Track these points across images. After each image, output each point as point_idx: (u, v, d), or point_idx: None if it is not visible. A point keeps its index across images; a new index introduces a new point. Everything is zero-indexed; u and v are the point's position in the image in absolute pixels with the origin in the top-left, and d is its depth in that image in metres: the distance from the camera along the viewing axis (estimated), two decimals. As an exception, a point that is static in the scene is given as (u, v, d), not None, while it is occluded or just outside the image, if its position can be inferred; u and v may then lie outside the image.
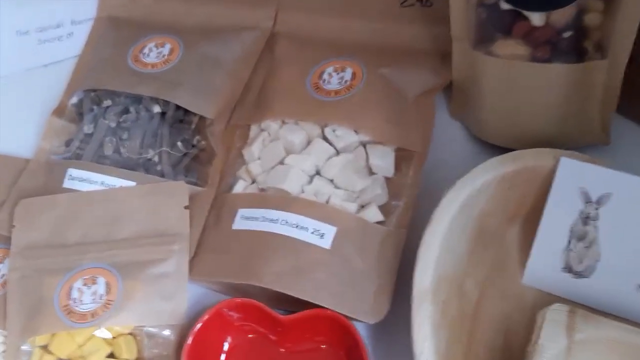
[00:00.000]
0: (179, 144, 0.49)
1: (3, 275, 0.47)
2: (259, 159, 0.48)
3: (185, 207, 0.46)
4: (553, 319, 0.35)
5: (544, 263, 0.40)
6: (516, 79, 0.42)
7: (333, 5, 0.53)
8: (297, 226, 0.42)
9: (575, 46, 0.41)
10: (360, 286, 0.41)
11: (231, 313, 0.41)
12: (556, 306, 0.36)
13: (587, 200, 0.39)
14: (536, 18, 0.40)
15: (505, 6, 0.41)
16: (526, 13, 0.40)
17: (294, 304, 0.42)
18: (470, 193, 0.40)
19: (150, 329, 0.43)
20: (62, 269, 0.44)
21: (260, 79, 0.51)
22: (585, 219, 0.39)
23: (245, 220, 0.44)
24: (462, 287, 0.39)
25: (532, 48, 0.41)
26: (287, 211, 0.43)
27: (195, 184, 0.48)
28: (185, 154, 0.49)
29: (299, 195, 0.44)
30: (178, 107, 0.50)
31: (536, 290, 0.40)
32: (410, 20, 0.51)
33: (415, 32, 0.50)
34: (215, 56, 0.52)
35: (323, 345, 0.42)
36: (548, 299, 0.39)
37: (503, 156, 0.41)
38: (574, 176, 0.39)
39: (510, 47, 0.42)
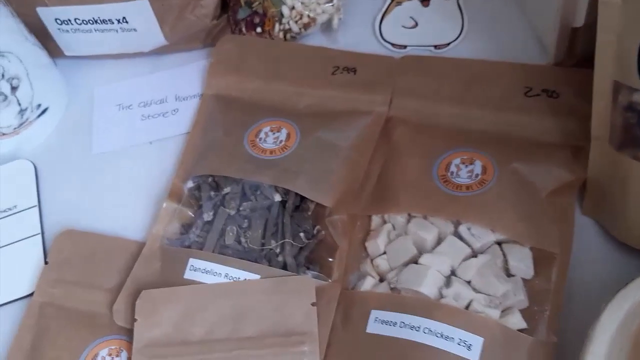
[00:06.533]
0: (302, 234, 0.48)
1: (121, 370, 0.45)
2: (384, 253, 0.46)
3: (313, 304, 0.45)
4: None
5: None
6: (670, 186, 0.41)
7: (451, 92, 0.52)
8: (442, 336, 0.40)
9: None
10: (513, 403, 0.39)
11: None
12: None
13: None
14: (696, 127, 0.39)
15: (661, 113, 0.39)
16: (685, 121, 0.39)
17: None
18: (629, 308, 0.38)
19: None
20: (189, 369, 0.43)
21: (378, 167, 0.50)
22: None
23: (381, 324, 0.42)
24: (626, 411, 0.37)
25: (687, 156, 0.40)
26: (430, 318, 0.41)
27: (318, 277, 0.47)
28: (305, 245, 0.48)
29: (437, 299, 0.42)
30: (296, 195, 0.49)
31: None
32: (536, 111, 0.49)
33: (542, 124, 0.49)
34: (332, 142, 0.51)
35: None
36: None
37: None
38: None
39: (662, 154, 0.41)
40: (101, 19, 0.57)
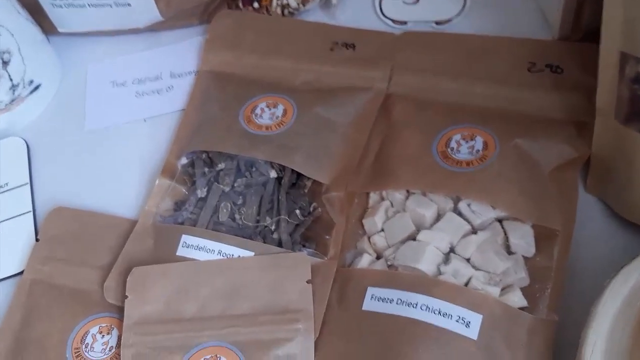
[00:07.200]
0: (297, 211, 0.46)
1: (112, 347, 0.44)
2: (382, 230, 0.45)
3: (308, 282, 0.43)
4: None
5: None
6: (677, 160, 0.40)
7: (452, 68, 0.50)
8: (439, 313, 0.39)
9: None
10: (512, 381, 0.38)
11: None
12: None
13: None
14: None
15: (670, 85, 0.38)
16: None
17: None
18: (635, 284, 0.37)
19: (276, 417, 0.40)
20: (180, 346, 0.42)
21: (377, 144, 0.49)
22: None
23: (377, 301, 0.41)
24: (629, 389, 0.36)
25: (695, 129, 0.39)
26: (428, 295, 0.40)
27: (314, 254, 0.45)
28: (301, 222, 0.47)
29: (436, 276, 0.41)
30: (292, 171, 0.48)
31: None
32: (540, 86, 0.48)
33: (545, 99, 0.47)
34: (330, 118, 0.50)
35: None
36: None
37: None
38: None
39: (670, 127, 0.39)
40: (95, -7, 0.56)
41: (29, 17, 0.57)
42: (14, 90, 0.55)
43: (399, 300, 0.40)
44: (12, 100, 0.56)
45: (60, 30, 0.59)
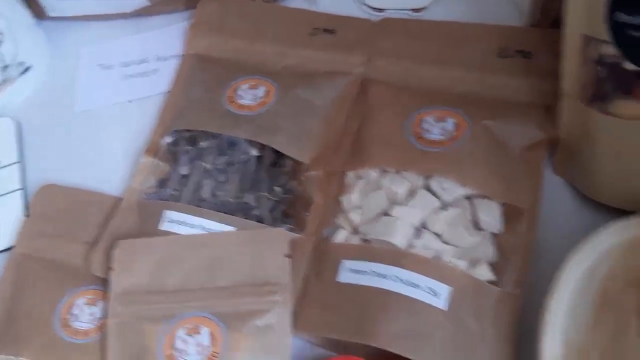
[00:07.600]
0: (277, 188, 0.48)
1: (97, 318, 0.46)
2: (358, 207, 0.47)
3: (286, 256, 0.45)
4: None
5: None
6: (637, 139, 0.42)
7: (427, 53, 0.52)
8: (409, 283, 0.41)
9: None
10: (479, 352, 0.40)
11: (343, 371, 0.41)
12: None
13: None
14: (663, 80, 0.40)
15: (630, 66, 0.40)
16: (653, 75, 0.40)
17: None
18: (595, 257, 0.39)
19: (254, 384, 0.42)
20: (163, 316, 0.43)
21: (355, 125, 0.51)
22: None
23: (351, 273, 0.43)
24: (589, 356, 0.38)
25: (655, 109, 0.41)
26: (399, 267, 0.42)
27: (292, 230, 0.47)
28: (281, 199, 0.49)
29: (407, 249, 0.43)
30: (273, 150, 0.50)
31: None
32: (510, 72, 0.50)
33: (515, 84, 0.49)
34: (310, 100, 0.52)
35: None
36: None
37: (630, 220, 0.40)
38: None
39: (630, 107, 0.41)
40: (82, -23, 0.57)
41: (19, 0, 0.58)
42: (4, 71, 0.57)
43: (372, 272, 0.42)
44: (3, 81, 0.57)
45: (50, 14, 0.61)
